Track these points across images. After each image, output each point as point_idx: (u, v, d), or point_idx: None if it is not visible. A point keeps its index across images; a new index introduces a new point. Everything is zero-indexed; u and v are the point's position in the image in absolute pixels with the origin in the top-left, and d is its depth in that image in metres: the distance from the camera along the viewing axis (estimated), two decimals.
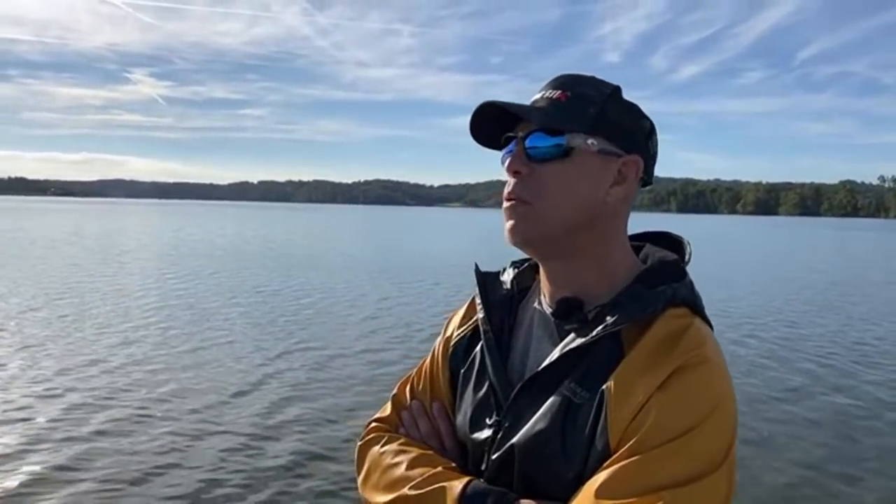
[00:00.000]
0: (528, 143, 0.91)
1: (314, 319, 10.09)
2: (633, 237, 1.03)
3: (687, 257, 0.97)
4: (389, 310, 11.13)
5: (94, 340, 8.18)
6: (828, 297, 14.06)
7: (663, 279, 0.91)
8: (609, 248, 0.95)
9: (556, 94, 0.92)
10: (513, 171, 0.91)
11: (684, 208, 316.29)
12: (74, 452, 4.65)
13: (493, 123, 0.95)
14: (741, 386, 6.48)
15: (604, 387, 0.84)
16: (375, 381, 6.58)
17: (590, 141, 0.90)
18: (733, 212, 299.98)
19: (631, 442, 0.80)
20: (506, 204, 0.93)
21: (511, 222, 0.92)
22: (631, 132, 0.94)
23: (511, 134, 0.94)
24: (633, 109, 0.96)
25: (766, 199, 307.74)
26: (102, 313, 10.06)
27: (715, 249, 30.00)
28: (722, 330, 10.69)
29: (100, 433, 5.03)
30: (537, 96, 0.94)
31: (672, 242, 1.02)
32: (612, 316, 0.87)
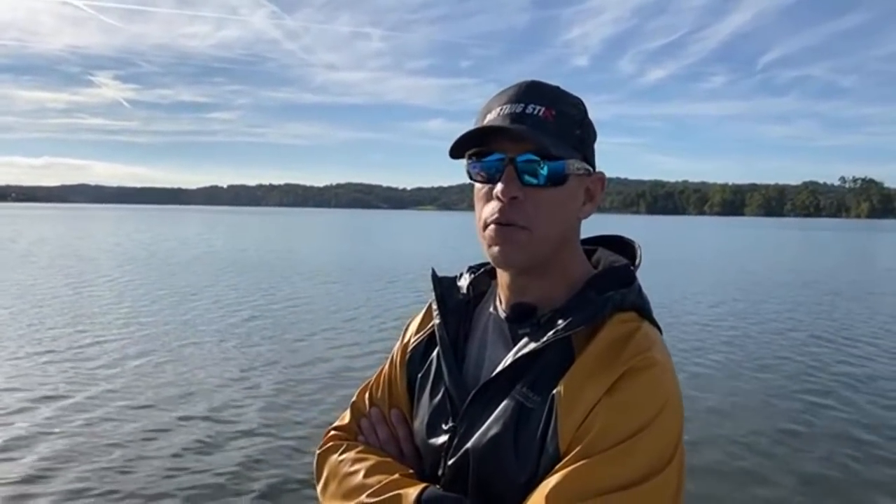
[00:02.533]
0: (521, 165, 0.89)
1: (275, 326, 9.96)
2: (588, 241, 1.05)
3: (637, 261, 0.99)
4: (354, 315, 11.03)
5: (51, 349, 8.04)
6: (793, 296, 14.50)
7: (612, 284, 0.92)
8: (570, 258, 0.97)
9: (541, 110, 0.89)
10: (510, 196, 0.88)
11: (654, 209, 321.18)
12: (31, 465, 4.58)
13: (468, 135, 0.92)
14: (703, 385, 6.57)
15: (554, 391, 0.86)
16: (337, 387, 6.54)
17: (577, 165, 0.91)
18: (701, 213, 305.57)
19: (580, 446, 0.81)
20: (499, 228, 0.90)
21: (505, 247, 0.90)
22: (594, 148, 0.96)
23: (482, 149, 0.92)
24: (593, 124, 0.97)
25: (733, 200, 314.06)
26: (58, 322, 9.89)
27: (685, 248, 30.52)
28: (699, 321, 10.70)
29: (53, 450, 4.87)
30: (515, 108, 0.90)
31: (624, 246, 1.03)
32: (563, 321, 0.88)
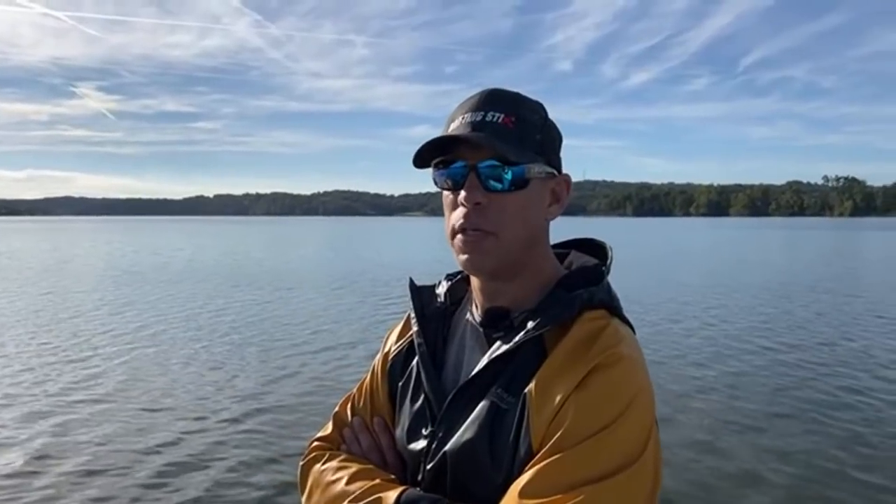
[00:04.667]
0: (483, 172, 0.91)
1: (257, 338, 9.84)
2: (561, 244, 1.08)
3: (608, 261, 1.01)
4: (338, 325, 10.96)
5: (31, 361, 7.97)
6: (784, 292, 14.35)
7: (582, 283, 0.94)
8: (541, 261, 0.99)
9: (500, 117, 0.92)
10: (473, 202, 0.91)
11: (640, 212, 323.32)
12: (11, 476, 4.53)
13: (429, 145, 0.95)
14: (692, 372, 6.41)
15: (525, 390, 0.88)
16: (320, 399, 6.51)
17: (538, 168, 0.93)
18: (687, 214, 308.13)
19: (551, 442, 0.83)
20: (465, 236, 0.92)
21: (474, 254, 0.92)
22: (558, 151, 0.99)
23: (446, 157, 0.94)
24: (555, 126, 0.99)
25: (718, 201, 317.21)
26: (33, 337, 9.68)
27: (672, 249, 30.41)
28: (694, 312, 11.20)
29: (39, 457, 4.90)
30: (475, 116, 0.93)
31: (596, 248, 1.06)
32: (534, 321, 0.91)
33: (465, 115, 0.93)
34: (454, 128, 0.94)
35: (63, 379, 7.29)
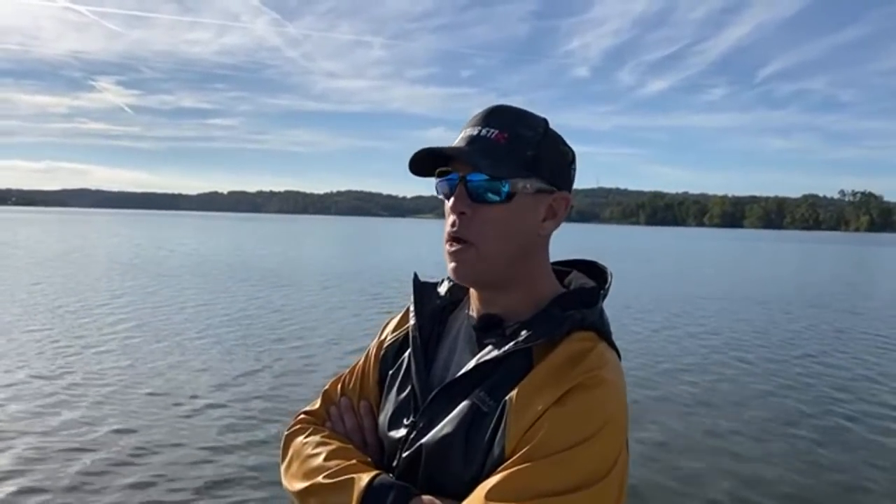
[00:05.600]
0: (470, 184, 0.96)
1: (261, 326, 10.18)
2: (563, 263, 1.11)
3: (607, 285, 1.04)
4: (339, 315, 11.42)
5: (42, 353, 8.01)
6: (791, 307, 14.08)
7: (576, 304, 0.98)
8: (536, 275, 1.02)
9: (494, 133, 0.96)
10: (458, 211, 0.96)
11: (653, 221, 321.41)
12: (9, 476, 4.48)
13: (427, 155, 1.00)
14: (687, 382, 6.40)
15: (507, 397, 0.91)
16: (315, 380, 6.85)
17: (527, 184, 0.96)
18: (700, 224, 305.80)
19: (523, 451, 0.86)
20: (450, 247, 0.98)
21: (455, 264, 0.98)
22: (559, 168, 1.01)
23: (446, 168, 1.00)
24: (560, 144, 1.02)
25: (732, 212, 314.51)
26: (41, 327, 9.71)
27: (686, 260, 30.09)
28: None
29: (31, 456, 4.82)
30: (473, 131, 0.98)
31: (597, 271, 1.09)
32: (525, 333, 0.94)
33: (467, 129, 0.99)
34: (457, 141, 0.99)
35: (49, 366, 7.24)
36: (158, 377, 7.07)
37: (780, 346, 10.01)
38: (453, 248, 0.98)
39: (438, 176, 1.01)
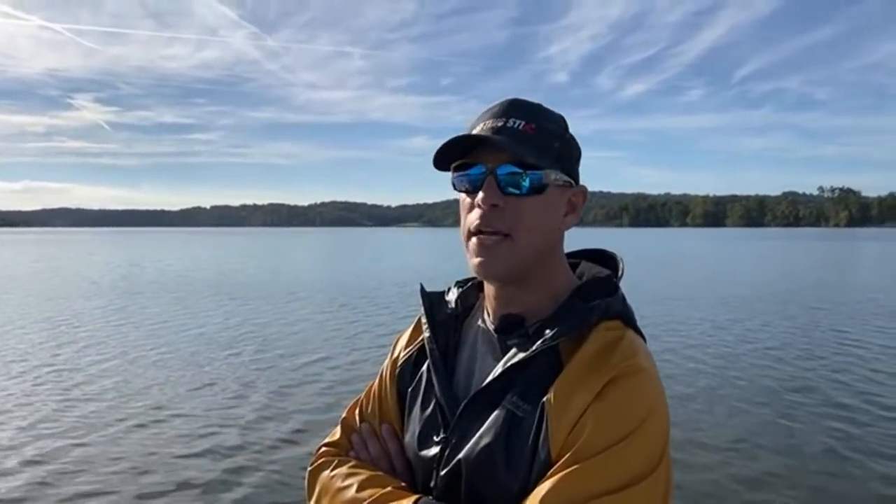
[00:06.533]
0: (502, 176, 0.92)
1: (262, 347, 9.79)
2: (571, 254, 1.08)
3: (620, 273, 1.02)
4: (343, 333, 11.00)
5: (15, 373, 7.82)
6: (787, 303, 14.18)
7: (597, 294, 0.95)
8: (554, 270, 1.00)
9: (521, 124, 0.93)
10: (490, 204, 0.92)
11: (636, 222, 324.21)
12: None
13: (446, 148, 0.96)
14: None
15: (544, 399, 0.88)
16: (328, 405, 6.49)
17: (556, 176, 0.95)
18: (683, 224, 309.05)
19: (570, 452, 0.83)
20: (481, 237, 0.93)
21: (485, 259, 0.93)
22: (577, 163, 1.00)
23: (466, 160, 0.96)
24: (575, 139, 1.01)
25: (714, 212, 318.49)
26: (25, 347, 9.48)
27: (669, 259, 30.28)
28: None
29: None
30: (497, 122, 0.94)
31: (607, 259, 1.07)
32: (551, 330, 0.91)
33: (487, 122, 0.95)
34: (476, 132, 0.95)
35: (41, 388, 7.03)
36: (127, 397, 6.85)
37: (782, 338, 9.99)
38: (485, 241, 0.93)
39: (455, 170, 0.98)
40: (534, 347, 0.91)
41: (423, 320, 1.07)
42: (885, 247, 55.36)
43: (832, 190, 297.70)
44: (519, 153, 0.91)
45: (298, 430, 5.78)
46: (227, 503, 4.35)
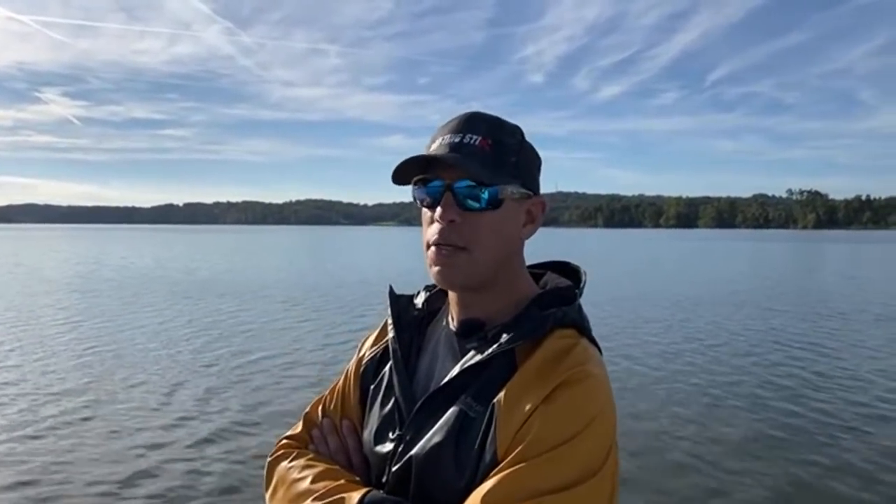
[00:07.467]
0: (459, 190, 0.96)
1: (232, 346, 9.83)
2: (538, 266, 1.12)
3: (581, 284, 1.05)
4: (312, 332, 11.09)
5: None
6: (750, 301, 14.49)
7: (555, 303, 0.99)
8: (515, 278, 1.03)
9: (478, 140, 0.97)
10: (448, 220, 0.96)
11: (611, 223, 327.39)
12: None
13: (407, 163, 0.99)
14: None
15: (494, 400, 0.91)
16: (294, 401, 6.67)
17: (512, 189, 0.97)
18: (657, 225, 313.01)
19: (516, 451, 0.86)
20: (438, 250, 0.97)
21: (444, 268, 0.97)
22: (535, 173, 1.03)
23: (426, 176, 0.99)
24: (533, 150, 1.04)
25: (687, 213, 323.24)
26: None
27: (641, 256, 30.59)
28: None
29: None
30: (454, 138, 0.97)
31: (571, 271, 1.11)
32: (507, 335, 0.94)
33: (445, 137, 0.98)
34: (434, 148, 0.98)
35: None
36: (77, 393, 6.80)
37: (734, 341, 10.29)
38: (443, 252, 0.96)
39: (415, 184, 1.01)
40: (490, 351, 0.94)
41: (389, 321, 1.11)
42: (849, 249, 57.02)
43: (800, 192, 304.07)
44: (474, 172, 0.94)
45: (261, 424, 5.97)
46: (189, 493, 4.48)
